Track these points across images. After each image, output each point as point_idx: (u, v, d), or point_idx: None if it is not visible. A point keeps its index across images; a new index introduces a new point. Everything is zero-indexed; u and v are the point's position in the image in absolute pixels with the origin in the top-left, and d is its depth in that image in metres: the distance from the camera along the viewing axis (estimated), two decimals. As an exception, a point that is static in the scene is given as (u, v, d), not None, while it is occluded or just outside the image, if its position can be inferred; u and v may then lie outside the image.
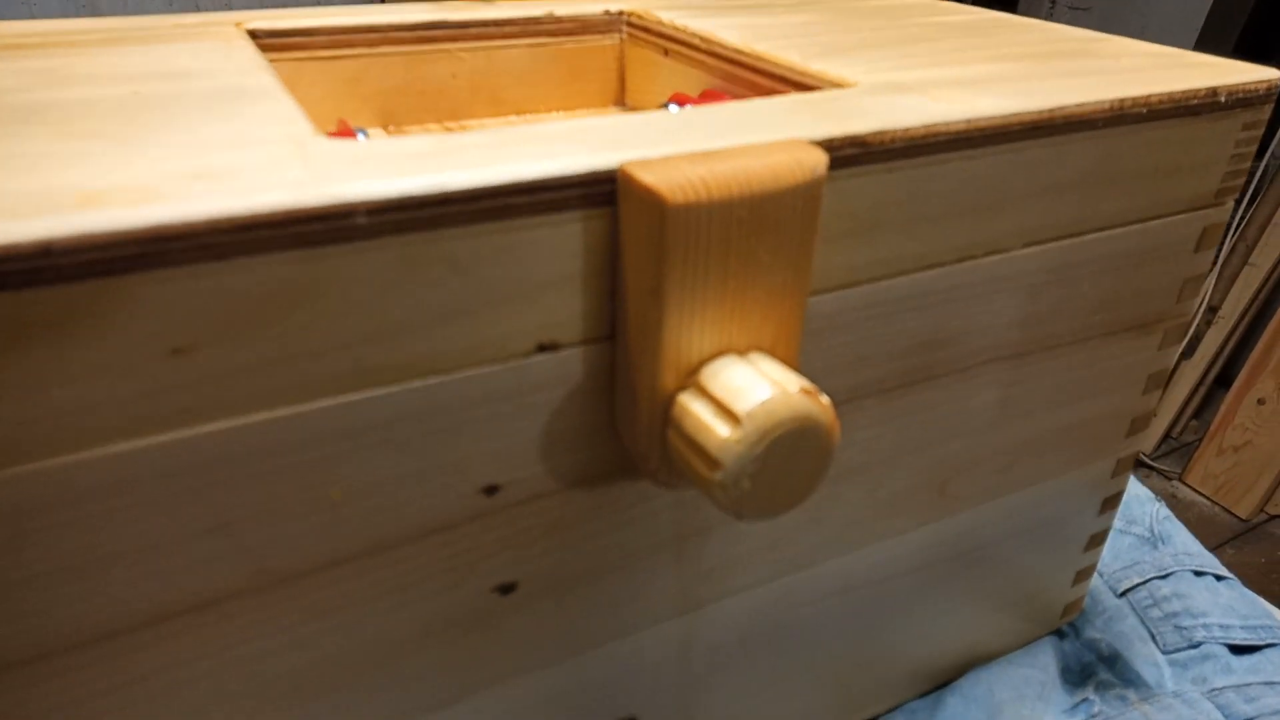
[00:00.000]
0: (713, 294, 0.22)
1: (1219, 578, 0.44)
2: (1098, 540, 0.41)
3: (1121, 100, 0.28)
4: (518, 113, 0.40)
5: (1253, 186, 1.47)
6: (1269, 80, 0.30)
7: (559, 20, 0.39)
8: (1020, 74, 0.29)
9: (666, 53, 0.37)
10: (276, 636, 0.22)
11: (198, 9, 1.87)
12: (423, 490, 0.22)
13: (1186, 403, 1.59)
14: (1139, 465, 1.56)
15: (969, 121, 0.25)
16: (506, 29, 0.38)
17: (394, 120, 0.37)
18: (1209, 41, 1.71)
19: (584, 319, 0.22)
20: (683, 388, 0.22)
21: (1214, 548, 1.40)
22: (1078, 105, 0.27)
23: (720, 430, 0.21)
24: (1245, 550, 1.40)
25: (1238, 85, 0.30)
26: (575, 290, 0.22)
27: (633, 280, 0.22)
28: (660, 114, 0.24)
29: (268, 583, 0.22)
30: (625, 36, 0.40)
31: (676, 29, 0.36)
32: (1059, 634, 0.44)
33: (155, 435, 0.19)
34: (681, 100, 0.34)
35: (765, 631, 0.32)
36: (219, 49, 0.29)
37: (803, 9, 0.39)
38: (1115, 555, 0.46)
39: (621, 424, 0.24)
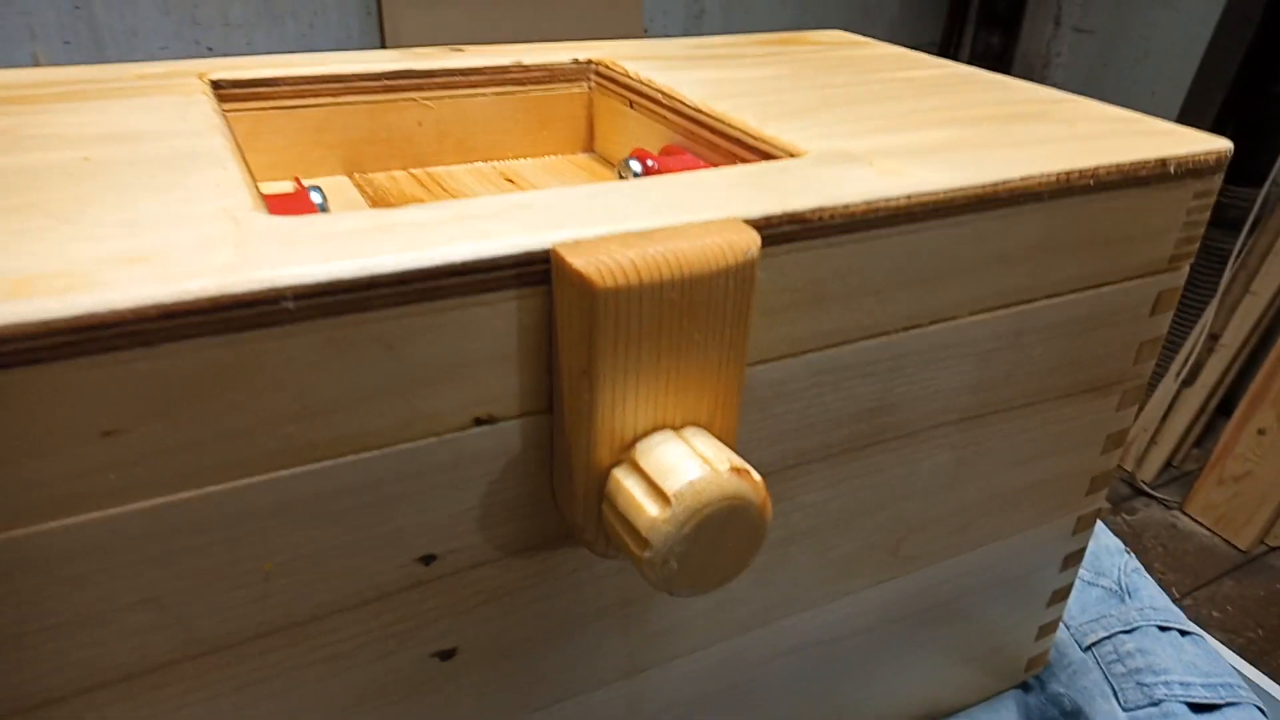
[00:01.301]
0: (646, 372, 0.22)
1: (1184, 633, 0.44)
2: (1061, 595, 0.41)
3: (1069, 172, 0.28)
4: (485, 159, 0.40)
5: (1253, 214, 1.48)
6: (1219, 151, 0.30)
7: (527, 69, 0.39)
8: (972, 140, 0.30)
9: (632, 104, 0.38)
10: (209, 704, 0.22)
11: (179, 30, 1.88)
12: (357, 561, 0.23)
13: (1188, 431, 1.59)
14: (1139, 493, 1.56)
15: (910, 197, 0.25)
16: (473, 78, 0.38)
17: (359, 168, 0.38)
18: (1214, 60, 1.72)
19: (521, 393, 0.23)
20: (617, 462, 0.23)
21: (1213, 579, 1.40)
22: (1022, 179, 0.27)
23: (650, 509, 0.21)
24: (1245, 582, 1.40)
25: (1188, 156, 0.30)
26: (511, 366, 0.22)
27: (566, 360, 0.22)
28: (600, 188, 0.24)
29: (199, 652, 0.22)
30: (593, 85, 0.40)
31: (641, 82, 0.37)
32: (1024, 686, 0.44)
33: (86, 513, 0.19)
34: (642, 156, 0.34)
35: (717, 692, 0.32)
36: (177, 106, 0.29)
37: (773, 62, 0.40)
38: (1083, 608, 0.46)
39: (559, 495, 0.24)
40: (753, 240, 0.22)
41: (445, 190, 0.37)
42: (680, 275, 0.21)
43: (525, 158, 0.41)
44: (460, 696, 0.26)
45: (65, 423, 0.18)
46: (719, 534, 0.21)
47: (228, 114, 0.32)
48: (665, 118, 0.35)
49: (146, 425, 0.19)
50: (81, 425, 0.18)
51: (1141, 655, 0.42)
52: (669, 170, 0.33)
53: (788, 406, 0.27)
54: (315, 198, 0.29)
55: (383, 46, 2.05)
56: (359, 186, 0.37)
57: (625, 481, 0.22)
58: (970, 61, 2.68)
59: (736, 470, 0.21)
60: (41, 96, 0.30)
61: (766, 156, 0.29)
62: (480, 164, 0.40)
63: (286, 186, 0.35)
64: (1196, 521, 1.50)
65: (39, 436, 0.18)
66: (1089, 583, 0.46)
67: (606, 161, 0.41)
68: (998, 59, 2.64)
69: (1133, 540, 1.47)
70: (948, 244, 0.27)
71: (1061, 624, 0.44)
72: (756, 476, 0.22)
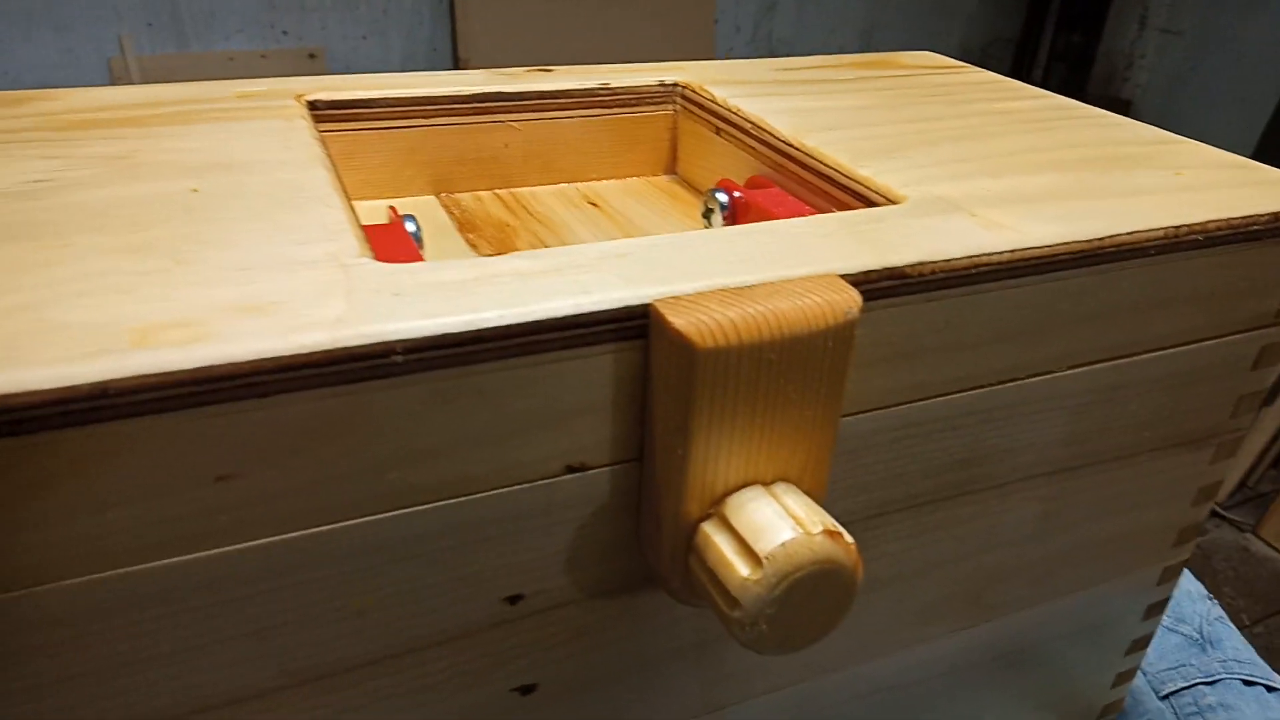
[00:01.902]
0: (740, 428, 0.22)
1: (1270, 689, 0.42)
2: (1141, 644, 0.40)
3: (1177, 228, 0.27)
4: (569, 180, 0.40)
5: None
6: (1338, 205, 0.29)
7: (614, 91, 0.39)
8: (1076, 188, 0.29)
9: (718, 131, 0.37)
10: (301, 731, 0.23)
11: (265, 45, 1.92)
12: (447, 599, 0.23)
13: (1265, 451, 1.53)
14: (1210, 514, 1.51)
15: (1013, 252, 0.25)
16: (561, 100, 0.38)
17: (447, 188, 0.38)
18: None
19: (612, 443, 0.23)
20: (707, 516, 0.23)
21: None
22: (1129, 234, 0.26)
23: (741, 569, 0.21)
24: (1322, 612, 1.35)
25: (1304, 209, 0.29)
26: (604, 417, 0.22)
27: (660, 414, 0.22)
28: (696, 237, 0.24)
29: (297, 681, 0.22)
30: (678, 108, 0.40)
31: (729, 110, 0.36)
32: (1093, 729, 0.43)
33: (198, 551, 0.20)
34: (729, 187, 0.34)
35: (785, 728, 0.32)
36: (279, 132, 0.30)
37: (862, 89, 0.39)
38: (1161, 654, 0.44)
39: (645, 543, 0.24)
40: (853, 300, 0.22)
41: (530, 214, 0.37)
42: (780, 335, 0.21)
43: (608, 179, 0.41)
44: (537, 730, 0.27)
45: (182, 468, 0.18)
46: (809, 596, 0.21)
47: (324, 134, 0.33)
48: (753, 148, 0.35)
49: (257, 471, 0.19)
50: (197, 470, 0.19)
51: (1224, 710, 0.41)
52: (756, 204, 0.32)
53: (876, 457, 0.27)
54: (410, 227, 0.29)
55: (453, 33, 2.07)
56: (446, 208, 0.37)
57: (715, 537, 0.22)
58: (1050, 60, 2.60)
59: (829, 533, 0.21)
60: (148, 119, 0.30)
61: (860, 198, 0.29)
62: (564, 185, 0.40)
63: (380, 206, 0.36)
64: (1270, 546, 1.45)
65: (158, 480, 0.18)
66: (1168, 629, 0.45)
67: (688, 185, 0.41)
68: (1079, 58, 2.56)
69: (1201, 562, 1.42)
70: (1048, 299, 0.26)
71: (1138, 670, 0.43)
72: (849, 539, 0.22)
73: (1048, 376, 0.28)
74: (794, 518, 0.21)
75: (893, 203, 0.28)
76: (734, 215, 0.34)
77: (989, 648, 0.35)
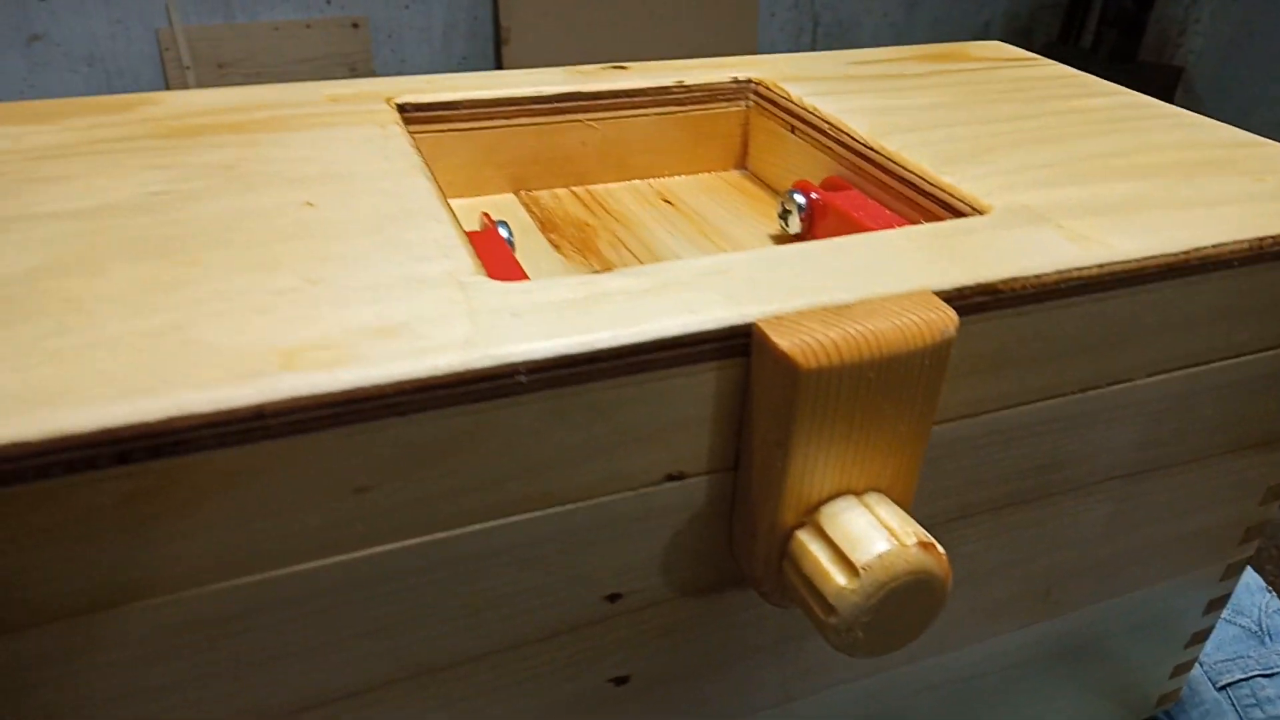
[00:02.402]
0: (837, 442, 0.23)
1: (1325, 679, 0.43)
2: (1200, 637, 0.41)
3: (1262, 239, 0.27)
4: (642, 176, 0.41)
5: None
6: None
7: (688, 89, 0.39)
8: (1160, 196, 0.29)
9: (793, 129, 0.38)
10: (420, 718, 0.25)
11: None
12: (553, 599, 0.24)
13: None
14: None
15: (1102, 266, 0.25)
16: (637, 99, 0.39)
17: (525, 185, 0.39)
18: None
19: (710, 452, 0.24)
20: (801, 524, 0.24)
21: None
22: (1214, 246, 0.27)
23: (837, 578, 0.22)
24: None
25: (1392, 219, 0.29)
26: (704, 429, 0.23)
27: (760, 429, 0.23)
28: (792, 252, 0.25)
29: (412, 674, 0.24)
30: (751, 104, 0.41)
31: (804, 109, 0.37)
32: (1151, 719, 0.43)
33: (334, 556, 0.21)
34: (805, 188, 0.35)
35: None
36: (376, 140, 0.31)
37: (935, 85, 0.39)
38: (1218, 645, 0.45)
39: (738, 548, 0.25)
40: (950, 319, 0.22)
41: (607, 212, 0.38)
42: (879, 355, 0.22)
43: (680, 174, 0.41)
44: (628, 718, 0.28)
45: (324, 482, 0.20)
46: (902, 604, 0.22)
47: (412, 135, 0.34)
48: (829, 148, 0.35)
49: (390, 482, 0.20)
50: (338, 483, 0.20)
51: (1281, 701, 0.41)
52: (835, 207, 0.33)
53: (959, 463, 0.27)
54: (503, 233, 0.30)
55: (495, 1, 2.07)
56: (526, 206, 0.38)
57: (810, 545, 0.23)
58: (1100, 26, 2.54)
59: (923, 544, 0.22)
60: (247, 124, 0.32)
61: (946, 206, 0.29)
62: (637, 181, 0.41)
63: (464, 206, 0.37)
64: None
65: (302, 494, 0.20)
66: (1226, 620, 0.46)
67: (760, 180, 0.41)
68: (1130, 24, 2.49)
69: (1261, 553, 1.40)
70: (1132, 310, 0.27)
71: (1196, 662, 0.44)
72: (940, 549, 0.22)
73: (1127, 385, 0.29)
74: (888, 529, 0.22)
75: (979, 212, 0.28)
76: (811, 217, 0.34)
77: (1054, 641, 0.36)
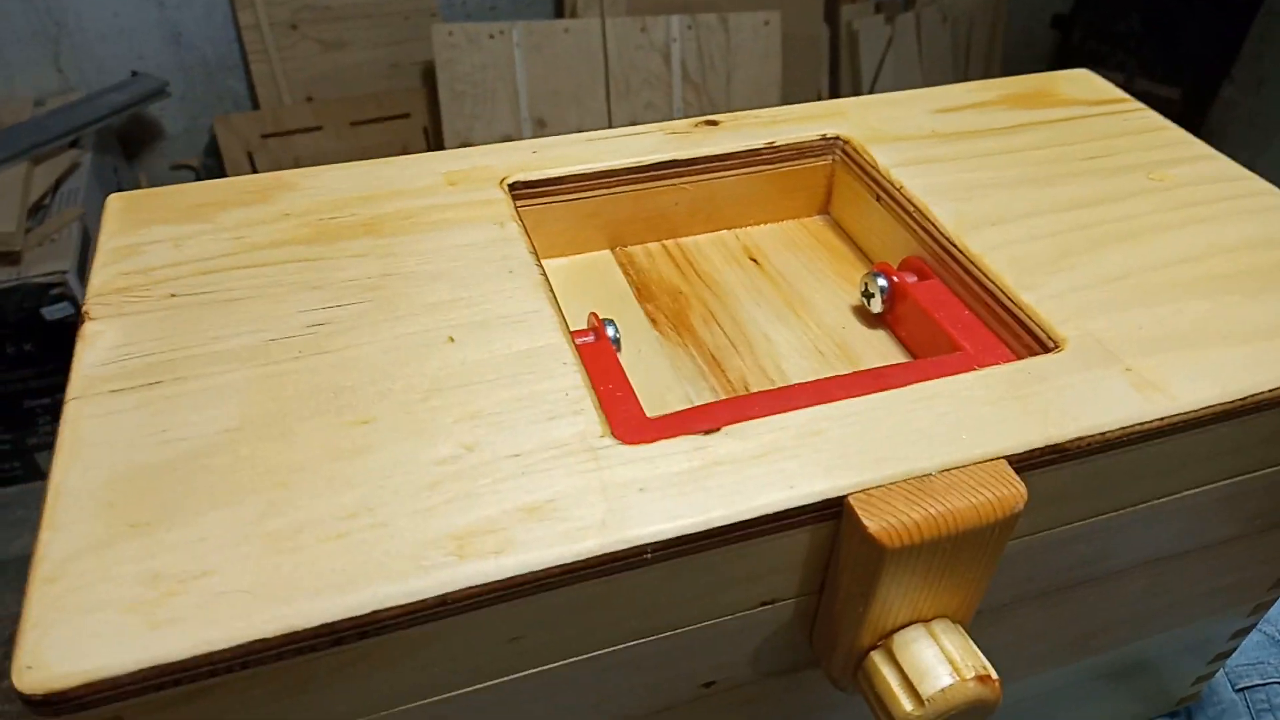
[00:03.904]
0: (912, 591, 0.27)
1: (1339, 691, 0.47)
2: (1224, 655, 0.45)
3: (1320, 384, 0.29)
4: (729, 227, 0.43)
5: None
6: None
7: (777, 149, 0.41)
8: (1225, 324, 0.31)
9: (878, 198, 0.39)
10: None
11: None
12: (661, 690, 0.29)
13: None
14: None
15: (1163, 419, 0.28)
16: (729, 162, 0.41)
17: (620, 242, 0.42)
18: None
19: (800, 584, 0.28)
20: (875, 646, 0.28)
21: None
22: (1270, 390, 0.29)
23: (905, 703, 0.26)
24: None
25: None
26: (797, 570, 0.27)
27: (845, 580, 0.26)
28: (881, 407, 0.28)
29: (543, 744, 0.29)
30: (838, 159, 0.42)
31: (891, 183, 0.38)
32: (1171, 714, 0.48)
33: (490, 681, 0.26)
34: (888, 271, 0.37)
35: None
36: (496, 243, 0.34)
37: (1021, 150, 0.40)
38: (1242, 650, 0.49)
39: (818, 650, 0.30)
40: (1020, 495, 0.26)
41: (698, 274, 0.40)
42: (955, 530, 0.25)
43: (765, 223, 0.43)
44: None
45: (487, 638, 0.24)
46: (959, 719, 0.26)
47: (517, 207, 0.37)
48: (914, 230, 0.37)
49: (538, 633, 0.25)
50: (497, 638, 0.24)
51: (1294, 713, 0.46)
52: (916, 299, 0.35)
53: (1014, 568, 0.31)
54: (610, 333, 0.34)
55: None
56: (622, 266, 0.41)
57: (883, 668, 0.27)
58: None
59: (980, 678, 0.26)
60: (379, 222, 0.35)
61: (1023, 326, 0.32)
62: (724, 232, 0.43)
63: (563, 265, 0.40)
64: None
65: (469, 647, 0.24)
66: (1253, 632, 0.50)
67: (840, 229, 0.43)
68: None
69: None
70: (1187, 446, 0.29)
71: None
72: (995, 677, 0.26)
73: (1175, 497, 0.32)
74: (951, 662, 0.26)
75: (1054, 344, 0.30)
76: (892, 300, 0.37)
77: (1087, 671, 0.40)
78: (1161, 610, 0.38)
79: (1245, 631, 0.43)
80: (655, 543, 0.24)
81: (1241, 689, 0.48)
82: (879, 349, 0.37)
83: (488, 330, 0.30)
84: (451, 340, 0.30)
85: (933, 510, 0.25)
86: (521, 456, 0.26)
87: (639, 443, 0.27)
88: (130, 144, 1.95)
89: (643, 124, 0.42)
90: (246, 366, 0.29)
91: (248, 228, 0.34)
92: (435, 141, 1.98)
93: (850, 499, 0.25)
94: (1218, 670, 0.46)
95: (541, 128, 1.99)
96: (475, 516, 0.24)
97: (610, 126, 2.01)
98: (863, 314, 0.38)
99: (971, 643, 0.27)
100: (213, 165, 2.00)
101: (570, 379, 0.28)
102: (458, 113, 1.91)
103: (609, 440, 0.26)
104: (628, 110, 1.99)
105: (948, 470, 0.26)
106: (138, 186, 1.94)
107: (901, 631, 0.28)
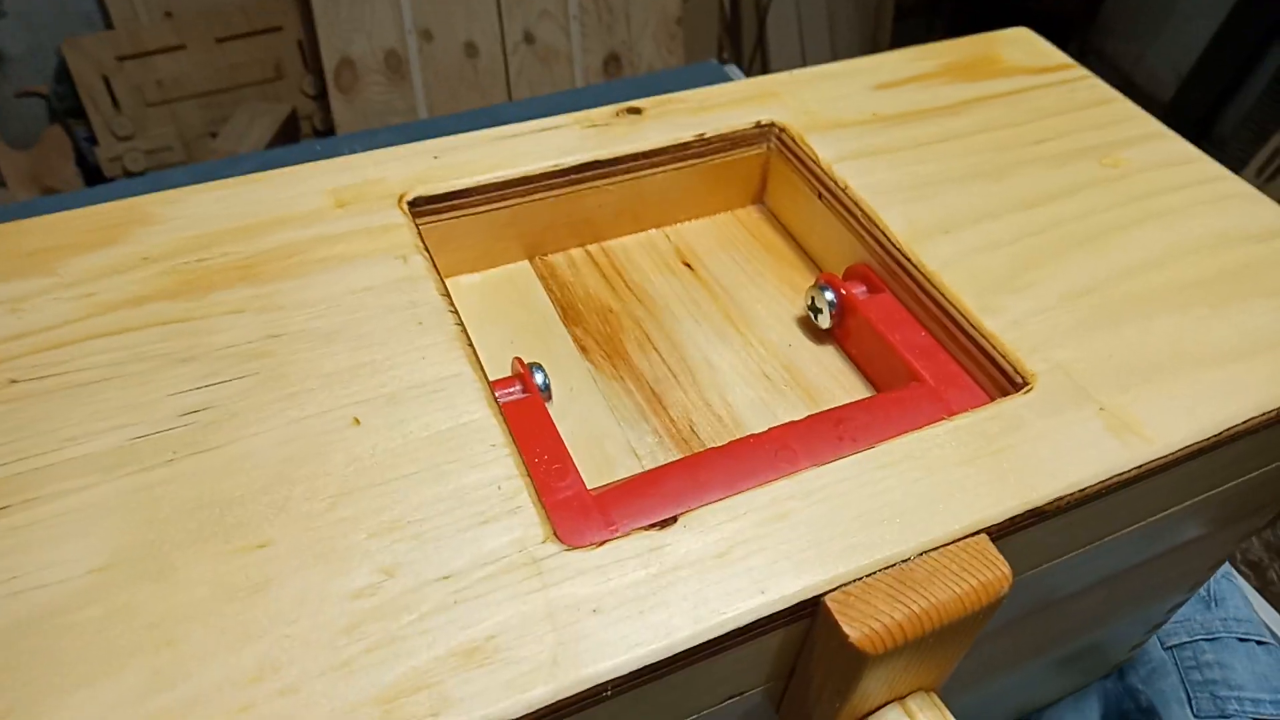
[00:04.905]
0: (890, 679, 0.25)
1: (1260, 643, 0.48)
2: (1160, 625, 0.45)
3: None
4: (658, 225, 0.39)
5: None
6: None
7: (708, 141, 0.37)
8: (1195, 345, 0.29)
9: (820, 196, 0.36)
10: None
11: None
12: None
13: None
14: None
15: (1140, 466, 0.26)
16: (655, 158, 0.36)
17: (539, 250, 0.37)
18: None
19: (769, 675, 0.25)
20: (850, 729, 0.26)
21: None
22: (1245, 421, 0.27)
23: (884, 795, 0.25)
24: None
25: None
26: (765, 667, 0.25)
27: (820, 677, 0.24)
28: (845, 479, 0.25)
29: None
30: (773, 147, 0.38)
31: (836, 183, 0.35)
32: (1103, 675, 0.49)
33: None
34: (835, 284, 0.34)
35: None
36: (399, 284, 0.29)
37: (969, 136, 0.37)
38: (1169, 610, 0.50)
39: (788, 729, 0.28)
40: (1005, 578, 0.24)
41: (629, 287, 0.36)
42: (939, 624, 0.23)
43: (696, 218, 0.40)
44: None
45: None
46: (939, 806, 0.25)
47: (420, 226, 0.32)
48: (861, 236, 0.34)
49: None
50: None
51: (1219, 668, 0.47)
52: (867, 316, 0.32)
53: (983, 615, 0.30)
54: (539, 380, 0.30)
55: None
56: (543, 280, 0.37)
57: (860, 755, 0.25)
58: None
59: (961, 762, 0.25)
60: (258, 264, 0.30)
61: (988, 357, 0.29)
62: (653, 232, 0.39)
63: (477, 282, 0.35)
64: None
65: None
66: (1181, 591, 0.51)
67: (776, 219, 0.40)
68: None
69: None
70: (1159, 481, 0.28)
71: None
72: (975, 757, 0.25)
73: (1139, 525, 0.30)
74: (930, 747, 0.25)
75: (1022, 381, 0.28)
76: (840, 314, 0.34)
77: (1038, 664, 0.40)
78: (1113, 610, 0.38)
79: (1183, 603, 0.44)
80: (615, 679, 0.21)
81: (1170, 647, 0.49)
82: (829, 369, 0.34)
83: (398, 406, 0.26)
84: (357, 422, 0.26)
85: (916, 607, 0.23)
86: (452, 579, 0.22)
87: (587, 545, 0.23)
88: (-36, 73, 1.74)
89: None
90: (112, 478, 0.24)
91: (99, 280, 0.29)
92: (311, 57, 1.84)
93: (827, 601, 0.23)
94: (1152, 637, 0.46)
95: (428, 41, 1.86)
96: (402, 669, 0.21)
97: (502, 39, 1.90)
98: (807, 325, 0.35)
99: (948, 714, 0.26)
100: (65, 92, 1.81)
101: (502, 466, 0.25)
102: (334, 23, 1.76)
103: (552, 546, 0.23)
104: (520, 19, 1.88)
105: (927, 552, 0.24)
106: (-20, 119, 1.75)
107: (877, 713, 0.26)
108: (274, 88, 1.94)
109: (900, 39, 2.57)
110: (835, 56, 2.42)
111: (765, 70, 2.29)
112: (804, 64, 2.34)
